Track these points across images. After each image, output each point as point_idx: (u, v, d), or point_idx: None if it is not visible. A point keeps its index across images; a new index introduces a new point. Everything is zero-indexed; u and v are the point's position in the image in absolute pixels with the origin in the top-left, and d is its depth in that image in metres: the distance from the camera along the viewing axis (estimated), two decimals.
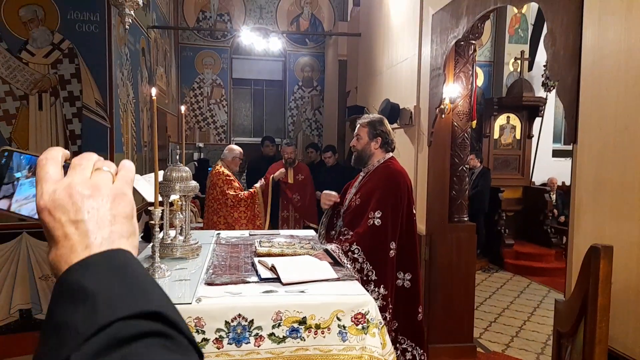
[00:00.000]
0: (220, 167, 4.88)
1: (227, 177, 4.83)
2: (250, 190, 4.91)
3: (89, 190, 0.49)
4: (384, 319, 2.30)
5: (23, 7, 3.84)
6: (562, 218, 7.23)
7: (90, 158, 0.53)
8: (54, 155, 0.52)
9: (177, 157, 2.56)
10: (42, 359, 0.40)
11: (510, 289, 5.74)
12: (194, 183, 2.51)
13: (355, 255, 2.40)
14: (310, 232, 3.20)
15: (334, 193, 2.81)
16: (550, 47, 2.19)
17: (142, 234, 3.22)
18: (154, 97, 2.26)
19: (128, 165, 0.56)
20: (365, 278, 2.39)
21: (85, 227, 0.48)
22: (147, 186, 3.00)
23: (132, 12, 3.61)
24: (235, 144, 6.49)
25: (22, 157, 0.60)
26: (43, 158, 0.52)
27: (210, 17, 9.08)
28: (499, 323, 4.58)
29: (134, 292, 0.43)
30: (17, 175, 0.60)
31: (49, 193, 0.49)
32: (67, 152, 0.55)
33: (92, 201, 0.49)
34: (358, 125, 2.74)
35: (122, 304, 0.41)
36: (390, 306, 2.47)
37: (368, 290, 2.24)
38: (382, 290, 2.42)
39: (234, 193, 4.80)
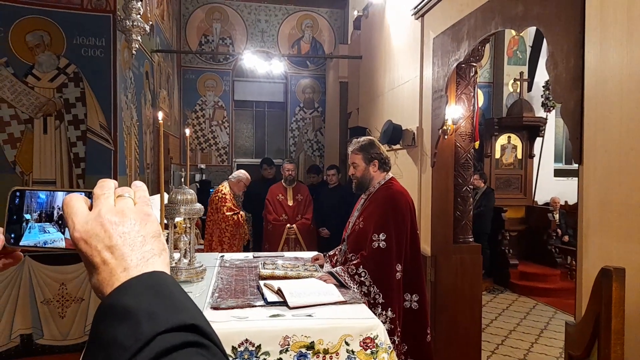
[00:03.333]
0: (223, 186, 4.93)
1: (223, 196, 4.86)
2: (241, 214, 4.94)
3: (117, 217, 0.54)
4: (393, 342, 2.27)
5: (30, 33, 3.90)
6: (566, 237, 7.18)
7: (109, 186, 0.57)
8: (77, 194, 0.57)
9: (182, 179, 2.57)
10: None
11: (517, 310, 5.67)
12: (198, 206, 2.51)
13: (362, 279, 2.38)
14: (314, 254, 3.18)
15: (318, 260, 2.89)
16: (552, 70, 2.22)
17: None
18: (161, 121, 2.28)
19: (140, 185, 0.60)
20: (372, 301, 2.36)
21: (120, 251, 0.52)
22: None
23: (139, 38, 3.67)
24: (237, 165, 6.50)
25: (32, 197, 0.61)
26: (67, 197, 0.57)
27: (212, 41, 9.22)
28: (506, 345, 4.51)
29: (171, 307, 0.48)
30: (27, 217, 0.60)
31: (81, 224, 0.53)
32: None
33: (121, 227, 0.53)
34: (350, 153, 2.71)
35: (162, 319, 0.46)
36: (399, 329, 2.44)
37: (376, 314, 2.22)
38: (389, 313, 2.39)
39: (230, 213, 4.82)
